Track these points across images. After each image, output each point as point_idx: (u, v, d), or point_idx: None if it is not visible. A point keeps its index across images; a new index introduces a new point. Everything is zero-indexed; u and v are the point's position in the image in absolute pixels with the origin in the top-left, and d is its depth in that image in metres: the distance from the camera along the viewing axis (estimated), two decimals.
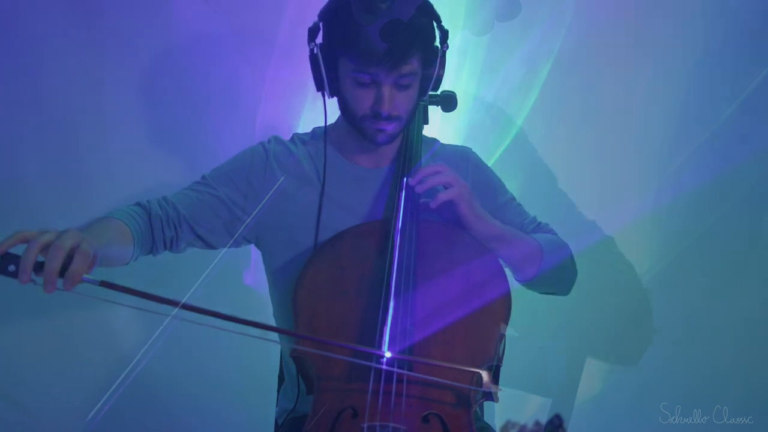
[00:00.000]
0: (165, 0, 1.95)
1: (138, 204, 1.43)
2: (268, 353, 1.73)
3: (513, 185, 1.68)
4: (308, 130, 1.60)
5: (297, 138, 1.56)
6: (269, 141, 1.54)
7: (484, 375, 1.21)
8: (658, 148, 2.18)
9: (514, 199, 1.62)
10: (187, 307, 1.12)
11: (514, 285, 1.44)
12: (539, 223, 1.61)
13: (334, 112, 1.51)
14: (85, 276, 1.07)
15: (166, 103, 1.99)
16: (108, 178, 1.98)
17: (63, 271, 1.05)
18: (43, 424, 2.02)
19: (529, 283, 1.53)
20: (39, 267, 1.06)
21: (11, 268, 1.05)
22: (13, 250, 1.08)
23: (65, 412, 2.03)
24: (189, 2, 1.96)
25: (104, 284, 1.08)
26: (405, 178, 1.44)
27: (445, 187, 1.38)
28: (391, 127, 1.41)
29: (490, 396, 1.31)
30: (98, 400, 2.04)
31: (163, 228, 1.41)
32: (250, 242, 1.53)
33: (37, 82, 1.91)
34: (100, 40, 1.92)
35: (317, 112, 1.46)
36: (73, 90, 1.93)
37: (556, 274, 1.53)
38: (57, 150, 1.95)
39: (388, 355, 1.21)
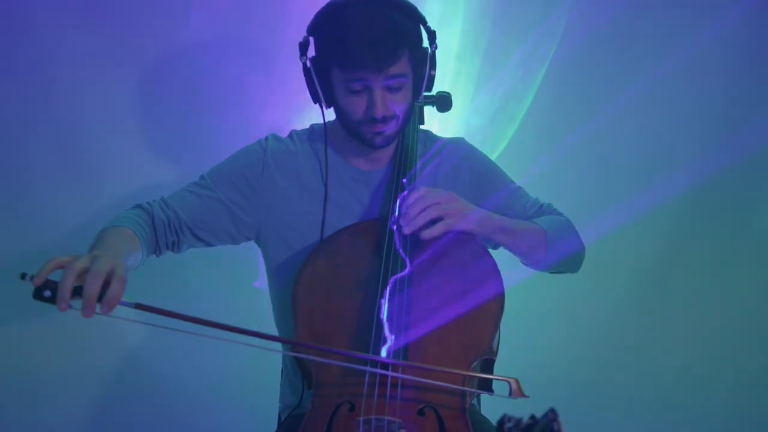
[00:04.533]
0: (171, 3, 1.99)
1: (140, 207, 1.45)
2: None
3: None
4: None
5: (296, 135, 1.58)
6: (266, 139, 1.56)
7: (513, 383, 1.19)
8: (652, 149, 2.21)
9: (512, 182, 1.62)
10: (207, 323, 1.13)
11: (513, 281, 1.46)
12: (542, 205, 1.61)
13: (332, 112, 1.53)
14: (122, 300, 1.09)
15: (171, 104, 2.02)
16: (114, 176, 2.01)
17: (100, 296, 1.07)
18: (47, 424, 2.04)
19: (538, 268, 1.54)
20: (74, 292, 1.06)
21: (47, 293, 1.05)
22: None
23: (70, 411, 2.05)
24: (195, 5, 1.99)
25: (139, 306, 1.10)
26: (403, 180, 1.47)
27: (434, 221, 1.36)
28: (388, 129, 1.43)
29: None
30: (103, 399, 2.08)
31: (165, 233, 1.44)
32: (249, 239, 1.55)
33: (45, 83, 1.94)
34: (108, 43, 1.96)
35: (319, 113, 1.51)
36: (80, 90, 1.96)
37: (564, 255, 1.53)
38: (64, 149, 1.98)
39: (383, 368, 1.23)
